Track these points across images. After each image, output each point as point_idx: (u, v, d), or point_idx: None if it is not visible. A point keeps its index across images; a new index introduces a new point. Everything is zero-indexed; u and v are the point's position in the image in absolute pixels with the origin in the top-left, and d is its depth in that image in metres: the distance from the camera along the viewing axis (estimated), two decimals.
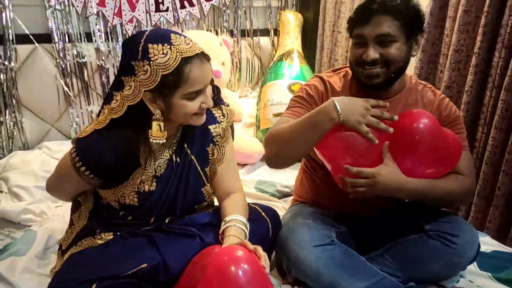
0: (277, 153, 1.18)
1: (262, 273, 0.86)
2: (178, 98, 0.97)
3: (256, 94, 2.45)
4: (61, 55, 1.91)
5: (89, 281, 0.91)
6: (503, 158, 1.75)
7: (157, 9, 2.07)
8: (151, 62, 0.93)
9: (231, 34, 2.38)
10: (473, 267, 1.23)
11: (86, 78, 1.98)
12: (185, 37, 0.98)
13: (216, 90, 1.15)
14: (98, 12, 1.95)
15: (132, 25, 2.03)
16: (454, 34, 1.87)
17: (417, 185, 1.10)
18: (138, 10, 2.01)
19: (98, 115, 1.07)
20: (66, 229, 1.18)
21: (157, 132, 0.99)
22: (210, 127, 1.14)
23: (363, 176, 1.06)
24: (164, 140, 1.02)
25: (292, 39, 2.41)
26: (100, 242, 1.06)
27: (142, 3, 2.02)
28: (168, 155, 1.09)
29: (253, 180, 1.82)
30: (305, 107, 1.23)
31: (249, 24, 2.43)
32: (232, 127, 1.21)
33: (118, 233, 1.07)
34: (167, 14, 2.10)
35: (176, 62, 0.93)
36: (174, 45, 0.94)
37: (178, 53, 0.94)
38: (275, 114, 2.08)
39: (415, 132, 1.09)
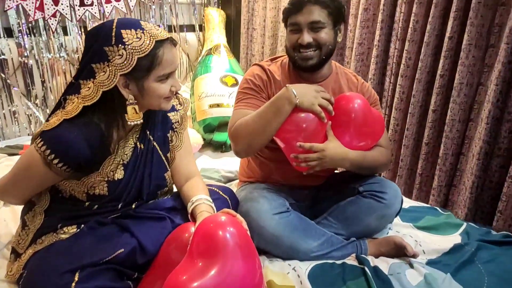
0: (249, 143, 1.27)
1: (246, 235, 0.95)
2: (151, 81, 1.01)
3: (186, 88, 2.48)
4: None
5: (70, 271, 0.91)
6: (403, 135, 2.01)
7: (82, 3, 2.00)
8: (126, 46, 0.95)
9: None
10: (397, 220, 1.47)
11: (6, 76, 1.84)
12: (152, 24, 1.03)
13: None
14: (17, 6, 1.82)
15: (55, 20, 1.93)
16: (357, 30, 2.10)
17: (356, 155, 1.29)
18: (62, 4, 1.92)
19: (55, 110, 1.04)
20: (18, 232, 1.13)
21: (133, 115, 1.02)
22: (169, 114, 1.19)
23: (314, 150, 1.21)
24: (142, 120, 1.04)
25: (217, 34, 2.51)
26: (64, 236, 1.05)
27: None
28: (133, 143, 1.11)
29: None
30: (256, 97, 1.35)
31: (175, 20, 2.46)
32: (187, 115, 1.27)
33: (83, 225, 1.07)
34: (92, 9, 2.04)
35: (151, 45, 0.97)
36: (146, 30, 0.98)
37: (151, 37, 0.97)
38: (210, 105, 2.16)
39: (351, 111, 1.27)
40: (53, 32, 1.95)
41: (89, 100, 0.98)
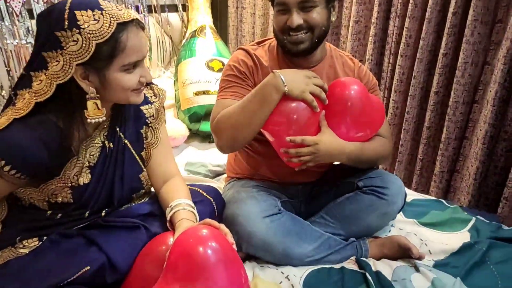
0: (233, 137, 1.14)
1: (231, 249, 0.83)
2: (114, 70, 0.87)
3: (170, 74, 2.33)
4: None
5: None
6: (403, 118, 1.93)
7: None
8: (82, 30, 0.82)
9: (137, 10, 2.20)
10: (400, 216, 1.35)
11: None
12: (115, 3, 0.88)
13: None
14: None
15: (19, 2, 1.74)
16: (353, 7, 1.97)
17: (353, 148, 1.16)
18: None
19: (5, 107, 0.91)
20: None
21: (94, 111, 0.88)
22: (142, 108, 1.05)
23: (306, 144, 1.08)
24: (104, 118, 0.91)
25: (202, 15, 2.34)
26: (23, 251, 0.92)
27: None
28: (100, 142, 0.98)
29: (181, 163, 1.75)
30: (241, 85, 1.21)
31: None
32: (163, 108, 1.13)
33: (45, 237, 0.94)
34: None
35: (111, 28, 0.83)
36: (105, 11, 0.84)
37: (112, 19, 0.84)
38: (196, 92, 2.02)
39: (347, 99, 1.14)
40: (17, 16, 1.78)
41: (42, 95, 0.85)
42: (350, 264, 1.14)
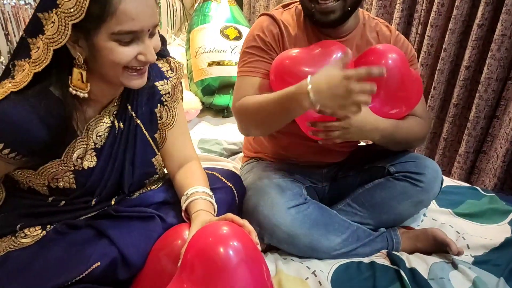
0: (253, 131, 1.12)
1: (256, 250, 0.73)
2: (103, 38, 0.73)
3: (181, 42, 2.19)
4: None
5: None
6: (429, 94, 1.83)
7: None
8: None
9: None
10: (433, 205, 1.25)
11: None
12: None
13: (162, 40, 0.92)
14: None
15: None
16: None
17: (387, 124, 1.04)
18: None
19: (2, 79, 0.80)
20: None
21: (77, 82, 0.76)
22: (157, 84, 0.93)
23: (338, 117, 0.97)
24: (86, 95, 0.79)
25: None
26: (25, 241, 0.84)
27: None
28: (109, 121, 0.87)
29: (194, 140, 1.63)
30: (265, 60, 1.08)
31: None
32: (181, 84, 1.01)
33: (49, 226, 0.86)
34: None
35: None
36: None
37: None
38: (210, 63, 1.88)
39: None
40: None
41: (39, 65, 0.74)
42: (381, 258, 1.05)
